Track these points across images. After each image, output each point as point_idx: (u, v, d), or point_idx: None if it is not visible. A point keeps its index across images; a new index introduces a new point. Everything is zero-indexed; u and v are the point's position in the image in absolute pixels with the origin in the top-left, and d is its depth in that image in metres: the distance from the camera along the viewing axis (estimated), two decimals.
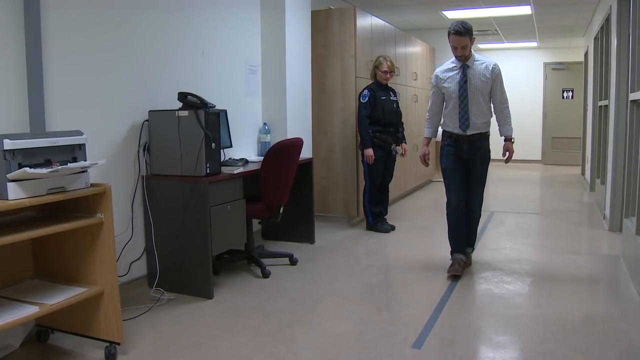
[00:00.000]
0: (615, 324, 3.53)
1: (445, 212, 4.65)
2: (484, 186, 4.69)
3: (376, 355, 3.13)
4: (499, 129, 4.61)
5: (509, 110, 4.56)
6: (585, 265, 4.86)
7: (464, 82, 4.41)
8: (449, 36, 4.34)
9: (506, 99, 4.55)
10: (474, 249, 4.90)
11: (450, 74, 4.49)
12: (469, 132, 4.45)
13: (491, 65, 4.47)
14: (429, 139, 4.78)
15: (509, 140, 4.58)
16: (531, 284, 4.36)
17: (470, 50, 4.43)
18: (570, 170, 11.99)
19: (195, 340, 3.36)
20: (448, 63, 4.58)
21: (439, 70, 4.61)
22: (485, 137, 4.56)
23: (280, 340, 3.35)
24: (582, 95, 11.37)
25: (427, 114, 4.73)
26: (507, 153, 4.59)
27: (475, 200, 4.67)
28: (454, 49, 4.38)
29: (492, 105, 4.55)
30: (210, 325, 3.59)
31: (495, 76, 4.46)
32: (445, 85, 4.50)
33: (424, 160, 4.78)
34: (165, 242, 4.14)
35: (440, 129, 4.73)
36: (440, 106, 4.62)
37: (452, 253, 4.66)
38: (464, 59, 4.43)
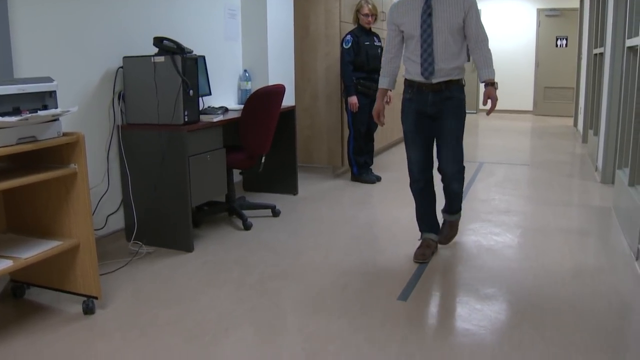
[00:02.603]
0: (605, 276, 3.61)
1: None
2: (461, 150, 3.85)
3: (361, 307, 3.19)
4: (478, 73, 3.76)
5: (489, 49, 3.72)
6: (575, 217, 4.94)
7: (427, 16, 3.61)
8: None
9: (485, 36, 3.70)
10: (459, 215, 4.20)
11: (410, 4, 3.70)
12: (434, 80, 3.68)
13: None
14: (384, 91, 3.97)
15: (490, 85, 3.70)
16: (520, 235, 4.43)
17: None
18: (563, 122, 12.05)
19: (175, 294, 3.40)
20: None
21: (396, 2, 3.84)
22: (457, 85, 3.76)
23: (262, 293, 3.40)
24: (576, 43, 11.33)
25: (382, 59, 3.97)
26: (490, 101, 3.71)
27: (450, 168, 3.85)
28: None
29: (466, 46, 3.77)
30: (191, 279, 3.62)
31: (468, 7, 3.63)
32: (405, 21, 3.72)
33: (378, 118, 3.99)
34: (142, 194, 4.14)
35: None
36: (399, 49, 3.87)
37: (421, 232, 4.11)
38: None
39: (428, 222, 4.06)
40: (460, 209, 4.16)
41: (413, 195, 4.01)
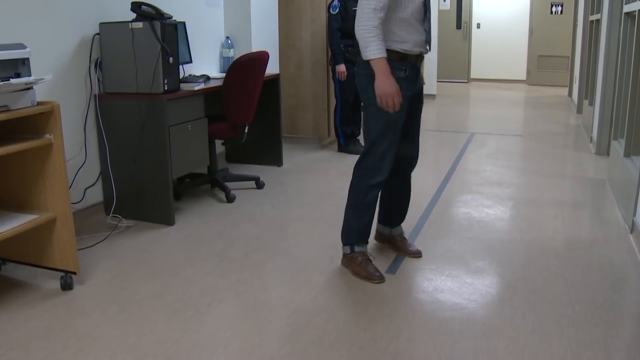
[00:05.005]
0: (599, 248, 3.66)
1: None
2: None
3: (347, 281, 3.21)
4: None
5: None
6: (569, 189, 4.98)
7: None
8: None
9: None
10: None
11: None
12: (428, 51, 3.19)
13: None
14: (386, 62, 3.00)
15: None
16: (512, 207, 4.47)
17: None
18: (557, 91, 12.06)
19: (156, 268, 3.41)
20: None
21: None
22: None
23: (246, 266, 3.42)
24: (572, 10, 11.32)
25: (369, 23, 3.13)
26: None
27: (415, 156, 3.42)
28: None
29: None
30: (172, 253, 3.63)
31: None
32: None
33: (395, 102, 2.97)
34: (121, 166, 4.12)
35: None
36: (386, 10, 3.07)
37: (352, 245, 3.32)
38: None
39: (368, 231, 3.36)
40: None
41: (369, 199, 3.22)
